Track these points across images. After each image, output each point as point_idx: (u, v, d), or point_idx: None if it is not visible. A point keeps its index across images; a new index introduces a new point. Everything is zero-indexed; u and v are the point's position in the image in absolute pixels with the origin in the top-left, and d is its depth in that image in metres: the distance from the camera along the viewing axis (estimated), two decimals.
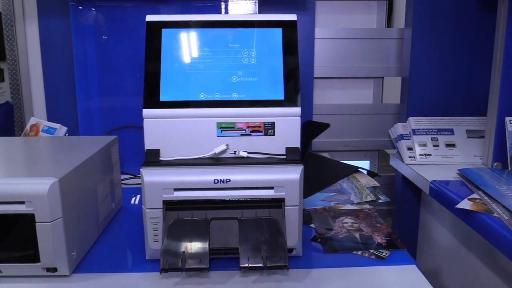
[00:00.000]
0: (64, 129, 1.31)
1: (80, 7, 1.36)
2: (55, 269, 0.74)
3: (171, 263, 0.71)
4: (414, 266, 0.79)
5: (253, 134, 0.80)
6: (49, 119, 1.42)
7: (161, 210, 0.76)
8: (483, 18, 1.32)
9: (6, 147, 0.97)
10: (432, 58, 1.35)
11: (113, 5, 1.37)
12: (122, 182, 1.18)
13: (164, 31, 0.83)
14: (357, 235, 0.90)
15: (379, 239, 0.88)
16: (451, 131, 1.29)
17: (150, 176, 0.76)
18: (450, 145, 1.26)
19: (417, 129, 1.30)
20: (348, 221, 0.97)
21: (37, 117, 1.41)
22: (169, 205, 0.76)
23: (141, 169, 0.76)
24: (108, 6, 1.37)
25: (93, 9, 1.37)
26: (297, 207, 0.77)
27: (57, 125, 1.31)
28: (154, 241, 0.78)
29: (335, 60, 1.49)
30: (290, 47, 0.83)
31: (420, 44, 1.35)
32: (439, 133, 1.29)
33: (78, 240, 0.80)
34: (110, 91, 1.41)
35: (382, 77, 1.55)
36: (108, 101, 1.42)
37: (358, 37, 1.48)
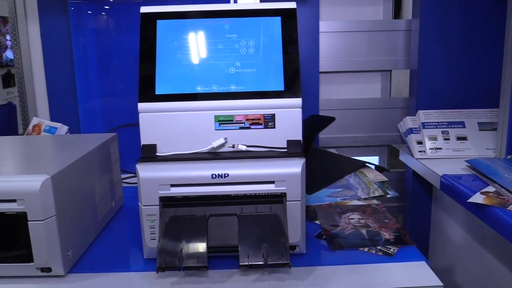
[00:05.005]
0: (65, 128, 1.29)
1: (80, 7, 1.35)
2: (49, 269, 0.72)
3: (168, 261, 0.68)
4: (423, 263, 0.75)
5: (252, 127, 0.77)
6: (52, 119, 1.40)
7: (158, 207, 0.73)
8: (493, 6, 1.28)
9: (3, 146, 0.95)
10: (441, 49, 1.31)
11: (113, 3, 1.35)
12: (124, 180, 1.15)
13: (159, 23, 0.80)
14: (364, 231, 0.87)
15: (386, 235, 0.85)
16: (462, 124, 1.25)
17: (146, 171, 0.73)
18: (461, 138, 1.22)
19: (426, 122, 1.26)
20: (355, 217, 0.93)
21: (41, 117, 1.40)
22: (166, 202, 0.73)
23: (136, 165, 0.74)
24: (108, 4, 1.36)
25: (90, 11, 1.36)
26: (299, 202, 0.74)
27: (58, 125, 1.29)
28: (151, 239, 0.75)
29: (341, 53, 1.46)
30: (289, 36, 0.79)
31: (428, 35, 1.31)
32: (449, 126, 1.25)
33: (74, 239, 0.77)
34: (111, 90, 1.40)
35: (390, 70, 1.51)
36: (109, 100, 1.40)
37: (364, 29, 1.44)
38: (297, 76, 0.78)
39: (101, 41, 1.38)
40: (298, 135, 0.77)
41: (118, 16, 1.37)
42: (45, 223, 0.69)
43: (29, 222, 0.69)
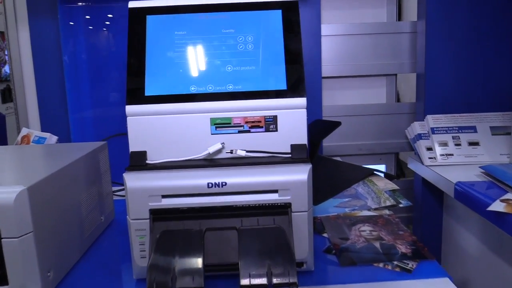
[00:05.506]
0: (55, 138, 1.22)
1: (69, 16, 1.31)
2: None
3: (160, 282, 0.61)
4: (447, 279, 0.68)
5: (252, 130, 0.70)
6: (43, 130, 1.35)
7: (148, 220, 0.66)
8: (502, 5, 1.22)
9: None
10: (449, 51, 1.26)
11: (104, 12, 1.31)
12: (116, 194, 1.08)
13: (149, 18, 0.74)
14: (377, 244, 0.79)
15: (403, 248, 0.77)
16: (473, 129, 1.19)
17: (134, 181, 0.66)
18: (473, 144, 1.16)
19: (436, 127, 1.19)
20: (366, 228, 0.85)
21: (32, 128, 1.35)
22: (157, 215, 0.66)
23: (124, 174, 0.67)
24: (100, 12, 1.31)
25: (81, 19, 1.32)
26: (305, 213, 0.67)
27: (47, 135, 1.23)
28: (141, 258, 0.68)
29: (344, 58, 1.40)
30: (291, 31, 0.73)
31: (435, 37, 1.26)
32: (460, 131, 1.18)
33: (56, 258, 0.70)
34: (102, 99, 1.36)
35: (396, 74, 1.45)
36: (101, 109, 1.36)
37: (367, 32, 1.39)
38: (301, 75, 0.71)
39: (91, 50, 1.33)
40: (303, 139, 0.70)
41: (109, 24, 1.32)
42: (21, 240, 0.62)
43: (2, 240, 0.61)
